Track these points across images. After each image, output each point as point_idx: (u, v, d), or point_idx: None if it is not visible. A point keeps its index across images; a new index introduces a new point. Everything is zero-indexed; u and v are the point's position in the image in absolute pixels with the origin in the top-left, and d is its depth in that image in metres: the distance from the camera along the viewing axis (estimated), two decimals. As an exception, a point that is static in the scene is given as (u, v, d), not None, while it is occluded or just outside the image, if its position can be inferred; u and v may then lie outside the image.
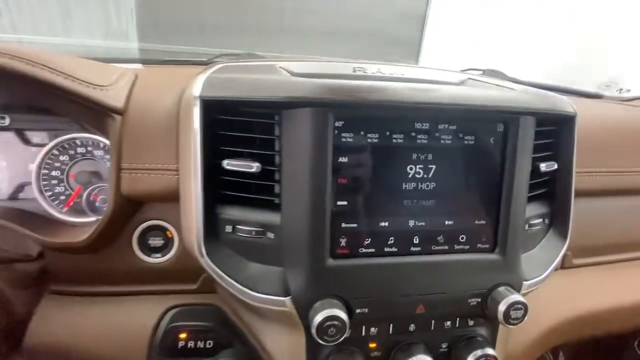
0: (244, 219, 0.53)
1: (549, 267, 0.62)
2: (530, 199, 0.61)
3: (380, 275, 0.52)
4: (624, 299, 0.76)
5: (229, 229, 0.54)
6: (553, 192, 0.65)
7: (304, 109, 0.48)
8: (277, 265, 0.53)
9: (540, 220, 0.64)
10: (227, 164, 0.52)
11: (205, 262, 0.52)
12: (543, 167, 0.61)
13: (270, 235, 0.53)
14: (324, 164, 0.48)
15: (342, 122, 0.49)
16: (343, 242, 0.52)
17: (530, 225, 0.62)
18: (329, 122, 0.48)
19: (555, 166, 0.63)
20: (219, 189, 0.54)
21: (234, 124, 0.53)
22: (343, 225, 0.51)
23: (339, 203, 0.51)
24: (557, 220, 0.66)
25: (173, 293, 0.64)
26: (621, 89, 1.40)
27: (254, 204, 0.54)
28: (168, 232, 0.62)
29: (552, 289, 0.71)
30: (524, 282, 0.59)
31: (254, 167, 0.51)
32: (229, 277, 0.52)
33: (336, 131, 0.49)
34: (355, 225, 0.52)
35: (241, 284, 0.52)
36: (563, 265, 0.79)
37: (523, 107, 0.53)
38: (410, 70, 0.63)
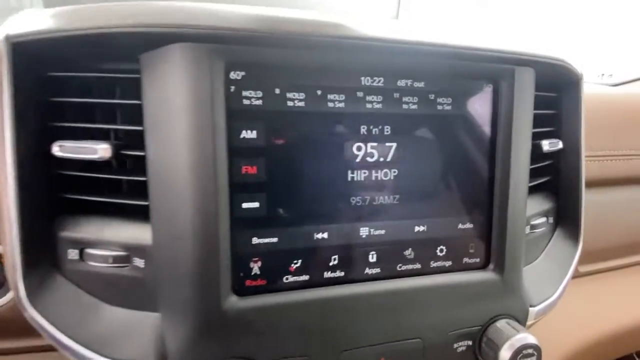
0: (96, 239, 0.33)
1: (560, 283, 0.46)
2: (530, 192, 0.44)
3: (318, 318, 0.33)
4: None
5: (73, 254, 0.33)
6: (558, 181, 0.49)
7: (172, 46, 0.29)
8: (149, 309, 0.33)
9: (544, 219, 0.47)
10: (59, 148, 0.32)
11: (24, 308, 0.31)
12: (545, 145, 0.45)
13: (139, 262, 0.33)
14: (211, 142, 0.29)
15: (243, 73, 0.30)
16: (255, 267, 0.32)
17: (532, 227, 0.45)
18: (217, 71, 0.29)
19: (560, 145, 0.47)
20: (59, 191, 0.34)
21: (74, 84, 0.33)
22: (254, 240, 0.32)
23: (245, 206, 0.32)
24: (565, 218, 0.49)
25: (18, 353, 0.42)
26: (603, 74, 1.31)
27: (114, 214, 0.34)
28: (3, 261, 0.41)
29: (560, 308, 0.54)
30: (531, 309, 0.41)
31: (99, 150, 0.31)
32: (63, 332, 0.31)
33: (233, 87, 0.30)
34: (274, 239, 0.33)
35: (83, 344, 0.31)
36: (567, 276, 0.62)
37: (519, 53, 0.36)
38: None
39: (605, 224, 0.64)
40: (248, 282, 0.32)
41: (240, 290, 0.32)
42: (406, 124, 0.35)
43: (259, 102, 0.31)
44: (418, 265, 0.37)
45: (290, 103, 0.32)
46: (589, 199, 0.61)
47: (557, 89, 0.48)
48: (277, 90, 0.31)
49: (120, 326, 0.33)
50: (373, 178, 0.35)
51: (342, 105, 0.33)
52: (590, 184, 0.61)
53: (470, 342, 0.38)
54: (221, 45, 0.29)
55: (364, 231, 0.35)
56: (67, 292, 0.33)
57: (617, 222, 0.65)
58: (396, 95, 0.35)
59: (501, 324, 0.38)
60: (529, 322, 0.42)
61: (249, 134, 0.31)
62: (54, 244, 0.33)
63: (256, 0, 0.36)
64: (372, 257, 0.36)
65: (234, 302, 0.31)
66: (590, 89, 0.73)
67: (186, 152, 0.29)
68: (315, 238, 0.34)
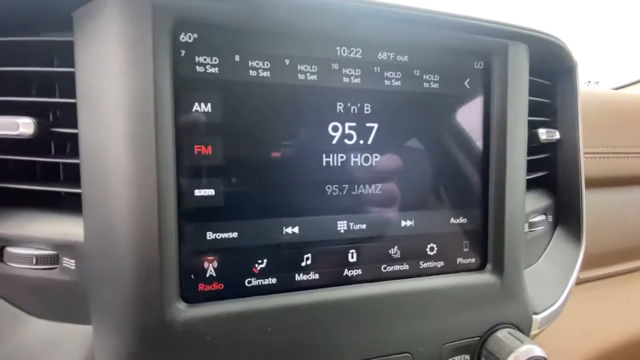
0: (19, 234, 0.27)
1: (564, 288, 0.41)
2: (527, 187, 0.40)
3: (287, 330, 0.28)
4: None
5: (-10, 255, 0.28)
6: (556, 176, 0.45)
7: (108, 1, 0.24)
8: (80, 321, 0.27)
9: (543, 217, 0.43)
10: (-26, 125, 0.26)
11: None
12: (543, 134, 0.41)
13: (69, 263, 0.27)
14: (152, 116, 0.24)
15: (196, 35, 0.26)
16: (210, 268, 0.27)
17: (531, 225, 0.41)
18: (162, 31, 0.24)
19: (558, 135, 0.43)
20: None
21: (8, 52, 0.28)
22: (209, 235, 0.27)
23: (197, 193, 0.26)
24: (565, 217, 0.45)
25: None
26: (589, 81, 1.31)
27: (40, 205, 0.28)
28: None
29: (562, 317, 0.49)
30: (534, 317, 0.36)
31: (20, 125, 0.26)
32: None
33: (183, 51, 0.26)
34: (234, 234, 0.27)
35: None
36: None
37: (512, 25, 0.33)
38: None
39: (607, 226, 0.60)
40: (201, 286, 0.27)
41: (191, 297, 0.26)
42: (389, 103, 0.31)
43: (215, 69, 0.26)
44: (405, 266, 0.32)
45: (252, 73, 0.27)
46: (589, 200, 0.58)
47: (552, 76, 0.44)
48: (237, 58, 0.27)
49: (43, 342, 0.27)
50: (352, 163, 0.30)
51: (314, 77, 0.29)
52: (592, 184, 0.57)
53: (467, 356, 0.33)
54: (169, 2, 0.24)
55: (341, 225, 0.30)
56: (-21, 302, 0.27)
57: (620, 225, 0.61)
58: (377, 69, 0.30)
59: (502, 334, 0.33)
60: (532, 332, 0.37)
61: (202, 108, 0.26)
62: (-33, 242, 0.28)
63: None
64: (352, 257, 0.31)
65: (181, 310, 0.25)
66: (592, 88, 0.70)
67: (122, 128, 0.24)
68: (284, 233, 0.29)
